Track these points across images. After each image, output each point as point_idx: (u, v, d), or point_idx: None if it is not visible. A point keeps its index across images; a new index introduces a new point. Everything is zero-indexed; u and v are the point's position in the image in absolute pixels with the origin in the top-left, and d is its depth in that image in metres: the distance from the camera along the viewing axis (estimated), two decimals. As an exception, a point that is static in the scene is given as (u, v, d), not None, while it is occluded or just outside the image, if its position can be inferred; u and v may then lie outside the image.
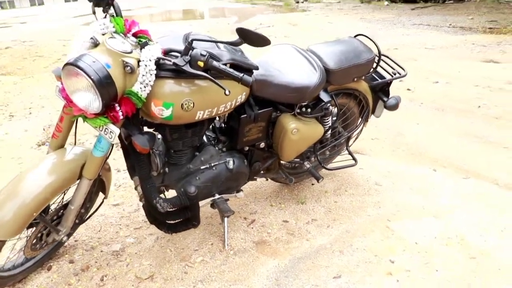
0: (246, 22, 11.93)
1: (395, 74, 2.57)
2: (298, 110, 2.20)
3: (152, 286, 2.01)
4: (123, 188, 2.88)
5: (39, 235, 1.90)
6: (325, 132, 2.37)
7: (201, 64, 1.57)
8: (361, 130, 2.71)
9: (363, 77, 2.45)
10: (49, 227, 1.86)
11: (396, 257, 2.14)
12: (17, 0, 32.98)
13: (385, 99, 2.60)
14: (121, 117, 1.60)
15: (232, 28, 10.47)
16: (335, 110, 2.44)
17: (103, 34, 1.61)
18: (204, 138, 2.15)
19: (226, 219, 2.29)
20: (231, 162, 2.10)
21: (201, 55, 1.57)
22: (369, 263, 2.11)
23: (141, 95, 1.57)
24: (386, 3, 14.78)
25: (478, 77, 5.16)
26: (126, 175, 2.99)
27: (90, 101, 1.53)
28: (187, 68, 1.57)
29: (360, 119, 2.69)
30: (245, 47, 1.77)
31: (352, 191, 2.77)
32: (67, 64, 1.49)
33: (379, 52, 2.40)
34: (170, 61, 1.57)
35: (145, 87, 1.57)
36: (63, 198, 1.94)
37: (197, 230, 2.38)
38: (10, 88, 5.36)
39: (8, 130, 3.94)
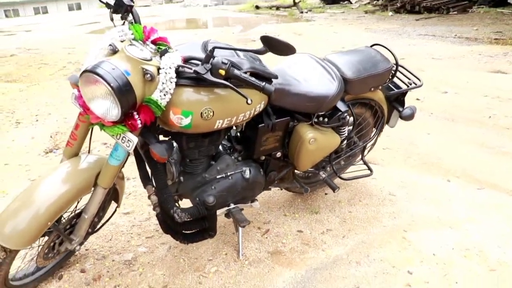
0: (251, 31, 11.97)
1: (410, 84, 2.55)
2: (316, 120, 2.18)
3: (166, 297, 1.97)
4: (133, 197, 2.85)
5: (52, 244, 1.86)
6: (342, 142, 2.34)
7: (222, 72, 1.54)
8: (376, 140, 2.68)
9: (380, 87, 2.43)
10: (62, 236, 1.83)
11: (414, 268, 2.10)
12: (21, 9, 33.26)
13: (400, 109, 2.58)
14: (140, 125, 1.57)
15: (238, 38, 10.52)
16: (351, 119, 2.42)
17: (121, 41, 1.59)
18: (220, 147, 2.12)
19: (240, 228, 2.26)
20: (247, 172, 2.07)
21: (223, 63, 1.54)
22: (387, 274, 2.07)
23: (160, 103, 1.54)
24: (390, 13, 14.83)
25: (486, 87, 5.14)
26: (136, 183, 2.97)
27: (108, 108, 1.50)
28: (208, 76, 1.55)
29: (375, 129, 2.66)
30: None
31: (366, 201, 2.73)
32: (85, 71, 1.47)
33: (397, 62, 2.39)
34: (191, 69, 1.55)
35: (165, 95, 1.54)
36: (76, 207, 1.91)
37: (210, 240, 2.34)
38: (16, 96, 5.35)
39: (15, 137, 3.92)
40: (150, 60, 1.55)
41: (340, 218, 2.56)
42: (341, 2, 20.88)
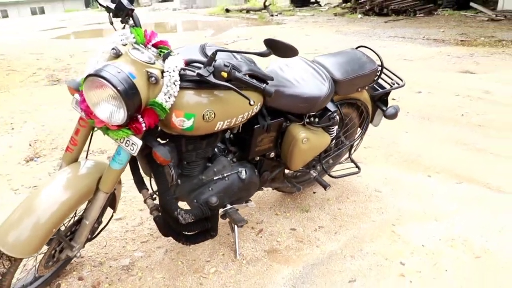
0: (223, 35, 12.01)
1: (393, 84, 2.66)
2: (307, 120, 2.25)
3: (168, 299, 1.99)
4: (123, 202, 2.83)
5: (53, 252, 1.85)
6: (331, 141, 2.42)
7: (224, 74, 1.59)
8: (362, 138, 2.78)
9: (366, 87, 2.52)
10: (64, 243, 1.82)
11: (405, 259, 2.20)
12: (-22, 12, 32.12)
13: (384, 108, 2.69)
14: (144, 128, 1.59)
15: (211, 41, 10.53)
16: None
17: (124, 45, 1.61)
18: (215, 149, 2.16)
19: (236, 229, 2.29)
20: (243, 172, 2.11)
21: (225, 65, 1.59)
22: (381, 267, 2.15)
23: (165, 106, 1.57)
24: (359, 16, 15.19)
25: (457, 87, 5.36)
26: (125, 189, 2.95)
27: (114, 112, 1.52)
28: (211, 78, 1.58)
29: (361, 128, 2.76)
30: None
31: (353, 198, 2.82)
32: (90, 75, 1.48)
33: (382, 63, 2.49)
34: (194, 71, 1.59)
35: (169, 97, 1.57)
36: (75, 213, 1.90)
37: (206, 242, 2.37)
38: (-14, 104, 5.21)
39: (-9, 147, 3.82)
40: (154, 63, 1.57)
41: (330, 215, 2.64)
42: (311, 5, 21.25)
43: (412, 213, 2.63)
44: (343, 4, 18.80)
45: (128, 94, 1.46)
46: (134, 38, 1.63)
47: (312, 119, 2.28)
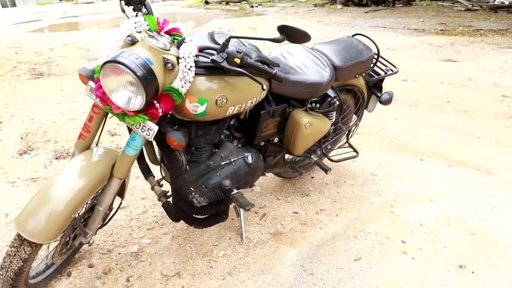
0: (204, 27, 11.95)
1: (388, 71, 2.75)
2: (309, 106, 2.31)
3: (180, 283, 2.03)
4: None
5: (67, 239, 1.88)
6: (331, 126, 2.49)
7: (237, 61, 1.63)
8: (358, 124, 2.86)
9: (363, 74, 2.60)
10: (80, 229, 1.85)
11: (406, 238, 2.30)
12: None
13: (379, 94, 2.77)
14: (160, 114, 1.62)
15: (194, 31, 10.47)
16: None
17: (138, 32, 1.64)
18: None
19: (242, 213, 2.35)
20: (249, 157, 2.16)
21: (238, 52, 1.63)
22: (384, 245, 2.25)
23: (181, 91, 1.61)
24: (339, 6, 15.32)
25: (441, 75, 5.52)
26: (125, 179, 2.97)
27: (133, 98, 1.54)
28: (225, 64, 1.62)
29: (357, 113, 2.84)
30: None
31: (351, 182, 2.91)
32: (108, 62, 1.50)
33: (378, 50, 2.57)
34: (208, 58, 1.63)
35: (185, 83, 1.61)
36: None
37: (212, 227, 2.42)
38: (-31, 99, 5.09)
39: (-18, 141, 3.76)
40: (169, 50, 1.60)
41: (330, 198, 2.72)
42: (291, -4, 21.26)
43: (408, 195, 2.73)
44: (323, -5, 18.91)
45: (147, 79, 1.49)
46: (147, 25, 1.65)
47: (313, 104, 2.34)
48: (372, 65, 2.63)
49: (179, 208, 1.97)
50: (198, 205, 1.87)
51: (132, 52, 1.52)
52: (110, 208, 2.05)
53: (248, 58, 1.66)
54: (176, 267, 2.13)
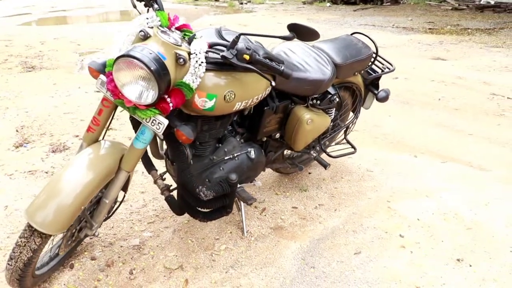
0: (194, 23, 11.89)
1: (384, 69, 2.80)
2: (311, 102, 2.35)
3: (184, 275, 2.06)
4: (123, 186, 2.86)
5: (73, 231, 1.89)
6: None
7: (246, 57, 1.65)
8: (356, 121, 2.91)
9: (362, 71, 2.65)
10: (87, 221, 1.86)
11: (404, 232, 2.36)
12: None
13: (375, 91, 2.83)
14: (171, 108, 1.65)
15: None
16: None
17: (150, 28, 1.65)
18: None
19: (243, 207, 2.38)
20: (252, 152, 2.19)
21: (247, 48, 1.66)
22: (382, 239, 2.30)
23: (192, 86, 1.63)
24: (328, 4, 15.39)
25: (431, 73, 5.62)
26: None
27: (145, 92, 1.56)
28: (235, 61, 1.65)
29: (354, 110, 2.89)
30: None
31: (348, 178, 2.97)
32: (122, 56, 1.52)
33: (377, 48, 2.62)
34: (219, 54, 1.65)
35: (196, 78, 1.63)
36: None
37: (213, 221, 2.44)
38: (-39, 91, 5.01)
39: (-24, 134, 3.72)
40: (181, 45, 1.62)
41: (328, 193, 2.77)
42: (280, -7, 21.23)
43: (404, 191, 2.80)
44: (312, -8, 18.96)
45: (160, 74, 1.51)
46: (159, 21, 1.67)
47: (314, 101, 2.38)
48: (370, 63, 2.67)
49: (184, 202, 1.99)
50: (205, 199, 1.89)
51: (145, 46, 1.54)
52: (115, 201, 2.06)
53: (256, 55, 1.69)
54: (179, 260, 2.16)
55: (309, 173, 3.04)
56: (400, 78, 5.44)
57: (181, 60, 1.59)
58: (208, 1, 20.03)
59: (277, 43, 2.53)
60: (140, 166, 2.53)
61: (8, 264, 1.68)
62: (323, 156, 2.80)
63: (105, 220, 2.08)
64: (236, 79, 1.78)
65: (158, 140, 2.21)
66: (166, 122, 1.66)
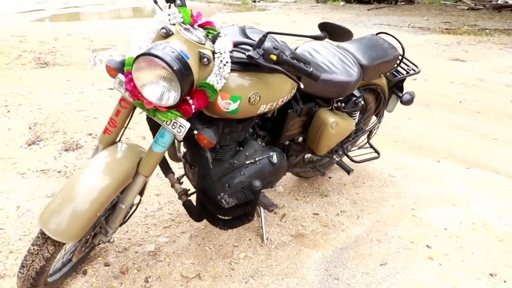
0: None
1: (409, 71, 2.68)
2: (335, 105, 2.24)
3: (201, 285, 1.97)
4: (137, 187, 2.78)
5: (88, 237, 1.81)
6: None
7: (274, 57, 1.55)
8: (379, 125, 2.80)
9: (387, 73, 2.54)
10: (102, 227, 1.78)
11: (431, 242, 2.25)
12: None
13: (400, 94, 2.71)
14: (193, 110, 1.55)
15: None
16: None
17: (172, 25, 1.56)
18: None
19: (263, 214, 2.29)
20: (274, 156, 2.09)
21: (274, 48, 1.56)
22: (409, 250, 2.19)
23: (216, 87, 1.53)
24: (342, 3, 15.22)
25: (450, 75, 5.47)
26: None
27: (166, 93, 1.47)
28: (261, 61, 1.55)
29: (377, 113, 2.78)
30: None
31: (369, 183, 2.86)
32: (142, 54, 1.43)
33: (403, 49, 2.50)
34: (245, 53, 1.55)
35: (220, 79, 1.54)
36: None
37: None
38: (-26, 87, 4.98)
39: (-11, 130, 3.67)
40: (204, 44, 1.53)
41: (350, 200, 2.67)
42: (293, -8, 21.07)
43: (429, 198, 2.68)
44: (325, -9, 18.78)
45: (183, 74, 1.42)
46: (181, 18, 1.57)
47: (339, 104, 2.28)
48: (396, 64, 2.56)
49: (203, 208, 1.90)
50: (227, 206, 1.80)
51: (167, 45, 1.44)
52: (131, 206, 1.97)
53: (284, 55, 1.59)
54: (196, 268, 2.07)
55: (330, 177, 2.94)
56: (419, 79, 5.29)
57: (205, 59, 1.49)
58: (220, -2, 19.95)
59: (300, 42, 2.43)
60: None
61: (20, 272, 1.61)
62: (344, 160, 2.70)
63: (120, 225, 2.00)
64: (261, 80, 1.68)
65: (176, 142, 2.12)
66: (188, 125, 1.57)
